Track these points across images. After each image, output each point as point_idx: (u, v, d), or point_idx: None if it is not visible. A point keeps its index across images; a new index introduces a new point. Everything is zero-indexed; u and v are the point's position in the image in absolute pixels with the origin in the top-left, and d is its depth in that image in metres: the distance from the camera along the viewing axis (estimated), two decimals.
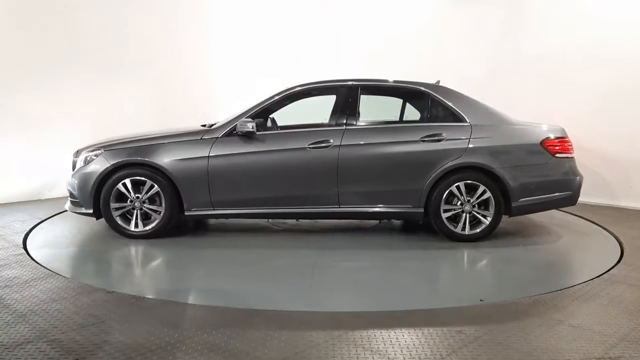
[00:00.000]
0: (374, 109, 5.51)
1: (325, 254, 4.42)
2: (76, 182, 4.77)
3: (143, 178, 4.66)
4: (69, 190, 4.91)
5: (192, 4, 8.56)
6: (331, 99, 5.02)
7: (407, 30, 8.30)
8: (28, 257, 4.19)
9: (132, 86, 7.69)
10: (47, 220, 5.50)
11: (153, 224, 4.73)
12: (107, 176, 4.68)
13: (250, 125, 4.60)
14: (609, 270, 3.93)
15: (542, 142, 4.68)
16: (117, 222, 4.72)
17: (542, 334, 2.80)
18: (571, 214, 5.95)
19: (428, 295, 3.55)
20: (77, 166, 4.86)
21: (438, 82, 5.12)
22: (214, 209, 4.72)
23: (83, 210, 4.76)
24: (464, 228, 4.67)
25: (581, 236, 5.09)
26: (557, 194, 4.75)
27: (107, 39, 7.31)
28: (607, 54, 6.44)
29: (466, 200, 4.64)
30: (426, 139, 4.65)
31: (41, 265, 3.96)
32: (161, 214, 4.71)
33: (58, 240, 4.84)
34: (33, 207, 6.18)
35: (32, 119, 6.60)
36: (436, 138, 4.65)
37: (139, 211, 4.73)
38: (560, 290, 3.51)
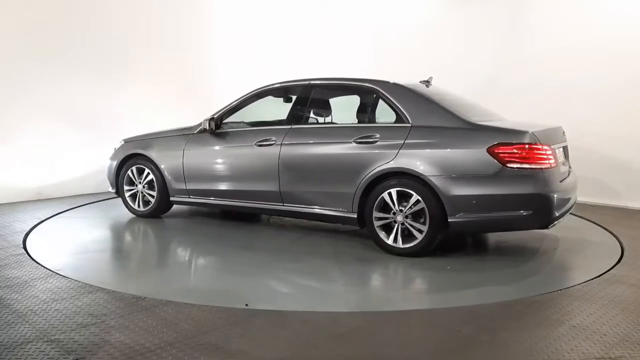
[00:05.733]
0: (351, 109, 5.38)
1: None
2: (107, 166, 5.79)
3: (143, 166, 5.50)
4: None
5: (194, 4, 8.55)
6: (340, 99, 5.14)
7: (408, 30, 8.29)
8: (28, 257, 4.18)
9: (134, 86, 7.67)
10: (47, 220, 5.49)
11: (149, 206, 5.53)
12: (122, 163, 5.62)
13: (208, 124, 5.06)
14: (609, 270, 3.92)
15: (490, 148, 3.88)
16: (127, 201, 5.64)
17: (542, 334, 2.80)
18: (571, 213, 5.91)
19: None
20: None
21: (430, 78, 4.90)
22: (189, 197, 5.29)
23: (111, 189, 5.78)
24: (395, 240, 4.17)
25: (581, 236, 5.08)
26: (509, 213, 3.92)
27: (112, 40, 7.28)
28: (609, 54, 6.43)
29: (398, 210, 4.13)
30: (360, 140, 4.36)
31: (41, 265, 3.95)
32: (154, 198, 5.45)
33: (58, 240, 4.85)
34: (33, 207, 6.17)
35: (32, 118, 6.58)
36: (369, 140, 4.31)
37: (141, 194, 5.54)
38: (560, 290, 3.51)
